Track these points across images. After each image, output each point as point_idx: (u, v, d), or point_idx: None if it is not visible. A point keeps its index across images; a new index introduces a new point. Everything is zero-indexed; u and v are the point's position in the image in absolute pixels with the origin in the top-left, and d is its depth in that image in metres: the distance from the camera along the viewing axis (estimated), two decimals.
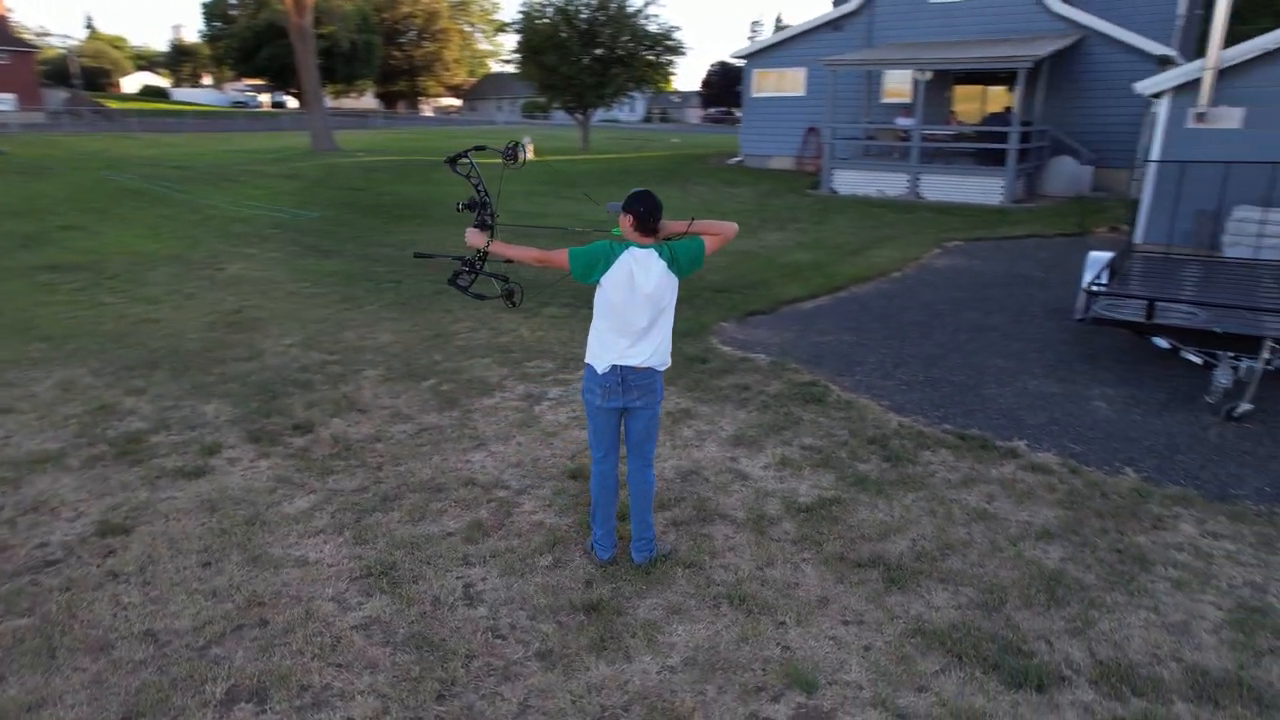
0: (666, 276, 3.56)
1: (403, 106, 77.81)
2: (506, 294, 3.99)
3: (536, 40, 28.25)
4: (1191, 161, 9.73)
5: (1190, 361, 6.07)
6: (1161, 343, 6.10)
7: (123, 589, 3.67)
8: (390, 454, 5.13)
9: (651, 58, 29.99)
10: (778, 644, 3.39)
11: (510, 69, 35.49)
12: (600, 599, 3.65)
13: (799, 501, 4.58)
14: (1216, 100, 10.22)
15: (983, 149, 17.54)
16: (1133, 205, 15.65)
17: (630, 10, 28.56)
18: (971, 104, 22.16)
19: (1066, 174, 18.02)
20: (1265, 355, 5.37)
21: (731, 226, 3.70)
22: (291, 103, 72.33)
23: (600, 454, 3.83)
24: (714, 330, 7.99)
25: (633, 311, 3.55)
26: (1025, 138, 17.03)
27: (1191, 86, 10.41)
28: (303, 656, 3.24)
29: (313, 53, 26.29)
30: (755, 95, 23.97)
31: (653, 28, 29.17)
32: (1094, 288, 6.57)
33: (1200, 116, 10.37)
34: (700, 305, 8.85)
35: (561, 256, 3.62)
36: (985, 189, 17.01)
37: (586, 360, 3.75)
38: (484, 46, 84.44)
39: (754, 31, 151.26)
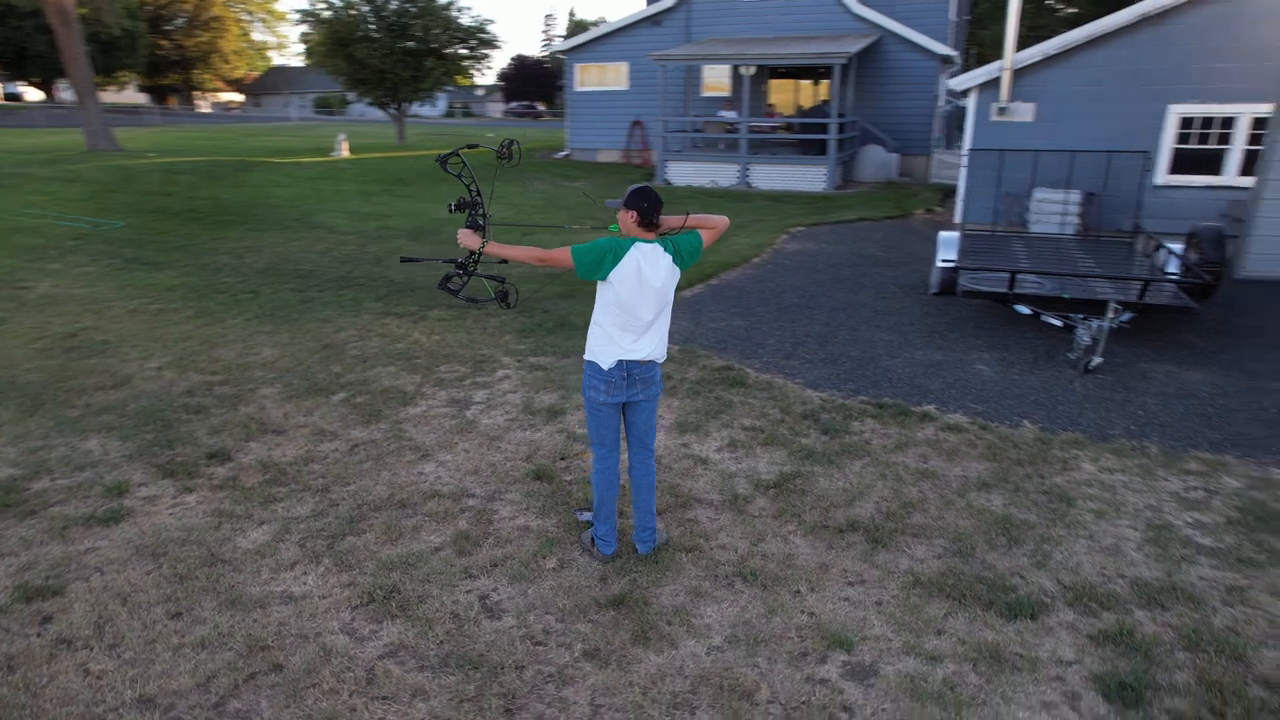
0: (672, 270, 3.62)
1: (176, 102, 70.52)
2: (501, 295, 3.88)
3: (343, 31, 26.70)
4: (1007, 150, 11.05)
5: (1043, 323, 6.95)
6: (1023, 309, 6.95)
7: (87, 656, 3.22)
8: (332, 474, 4.80)
9: (466, 51, 29.29)
10: (802, 611, 3.58)
11: (298, 62, 33.23)
12: (622, 593, 3.67)
13: (763, 479, 4.81)
14: (1014, 97, 11.65)
15: (805, 139, 18.79)
16: (943, 190, 17.45)
17: (441, 3, 27.70)
18: (786, 96, 23.63)
19: (876, 162, 19.72)
20: (1111, 315, 6.28)
21: (724, 220, 3.83)
22: (31, 94, 63.44)
23: (605, 450, 3.83)
24: None
25: (641, 306, 3.58)
26: (840, 129, 18.44)
27: (993, 85, 11.78)
28: (339, 696, 3.02)
29: (79, 38, 23.19)
30: (579, 90, 24.13)
31: (465, 21, 28.49)
32: (960, 264, 7.34)
33: (1001, 111, 11.77)
34: (585, 299, 8.90)
35: (563, 254, 3.57)
36: (809, 177, 18.26)
37: (588, 358, 3.74)
38: (264, 38, 78.33)
39: (547, 25, 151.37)
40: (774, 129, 20.56)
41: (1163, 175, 11.42)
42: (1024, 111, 11.75)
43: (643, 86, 22.97)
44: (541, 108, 76.40)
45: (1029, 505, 4.51)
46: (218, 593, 3.63)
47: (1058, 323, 6.75)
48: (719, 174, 19.00)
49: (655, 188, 3.80)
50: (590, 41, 23.65)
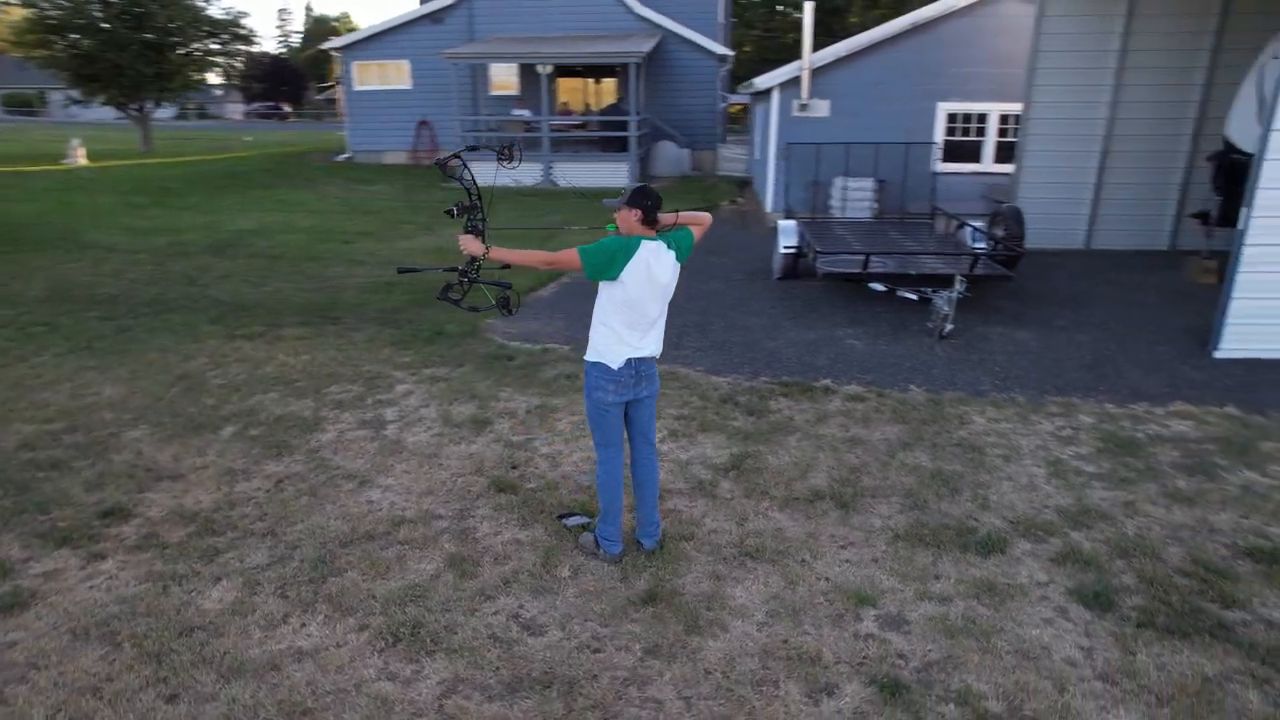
0: (675, 267, 3.68)
1: None
2: (502, 302, 3.70)
3: (59, 18, 23.11)
4: (825, 143, 12.07)
5: (885, 297, 7.77)
6: (878, 287, 7.72)
7: None
8: (271, 515, 4.32)
9: (216, 46, 26.57)
10: (817, 578, 3.82)
11: None
12: (650, 588, 3.69)
13: (717, 463, 5.00)
14: (813, 94, 12.76)
15: (605, 137, 19.20)
16: (735, 182, 18.58)
17: None
18: (575, 95, 23.94)
19: (670, 157, 20.62)
20: (958, 287, 7.18)
21: (708, 217, 3.93)
22: None
23: (612, 451, 3.81)
24: (485, 328, 7.86)
25: (649, 303, 3.61)
26: (626, 125, 19.05)
27: (793, 83, 12.82)
28: None
29: None
30: (358, 89, 22.85)
31: (215, 13, 25.81)
32: (819, 249, 7.98)
33: (803, 107, 12.84)
34: (446, 307, 8.56)
35: (570, 256, 3.51)
36: (612, 173, 18.69)
37: (594, 359, 3.70)
38: None
39: (282, 20, 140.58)
40: (573, 127, 20.80)
41: (938, 164, 13.08)
42: (821, 108, 12.91)
43: (427, 85, 22.23)
44: (288, 109, 71.02)
45: (950, 458, 5.08)
46: (211, 663, 3.17)
47: (913, 296, 7.59)
48: (522, 173, 18.87)
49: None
50: (367, 39, 22.46)
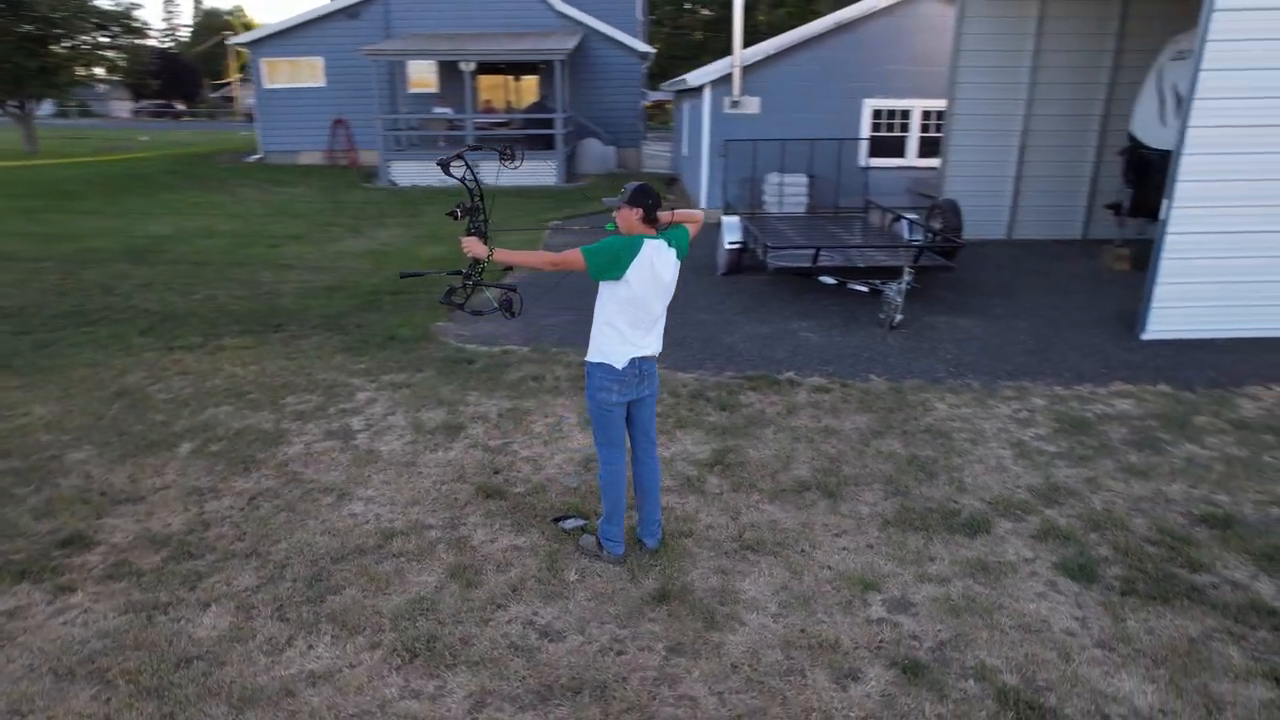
0: (676, 264, 3.68)
1: None
2: (505, 305, 3.62)
3: None
4: (762, 140, 12.25)
5: (829, 289, 7.96)
6: (829, 280, 7.91)
7: None
8: (251, 534, 4.12)
9: (106, 39, 25.00)
10: (820, 566, 3.90)
11: None
12: (662, 588, 3.69)
13: (700, 459, 5.03)
14: (744, 91, 12.94)
15: (531, 135, 19.00)
16: (666, 179, 18.69)
17: None
18: (496, 93, 23.59)
19: (596, 154, 20.57)
20: (907, 279, 7.42)
21: (701, 214, 3.95)
22: None
23: (617, 450, 3.79)
24: (437, 331, 7.69)
25: (653, 301, 3.61)
26: (553, 123, 18.92)
27: (725, 80, 12.97)
28: None
29: None
30: (269, 86, 21.92)
31: (103, 3, 24.26)
32: (770, 245, 8.11)
33: (734, 104, 13.02)
34: (392, 310, 8.37)
35: (575, 257, 3.47)
36: (540, 172, 18.53)
37: (598, 360, 3.67)
38: None
39: (169, 13, 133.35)
40: (498, 125, 20.50)
41: (864, 158, 13.48)
42: (752, 105, 13.11)
43: (342, 83, 21.54)
44: (181, 107, 67.48)
45: (922, 444, 5.26)
46: (218, 695, 3.01)
47: (864, 288, 7.81)
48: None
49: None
50: (277, 34, 21.56)
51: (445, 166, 3.57)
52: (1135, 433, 5.45)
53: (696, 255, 11.11)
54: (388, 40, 20.45)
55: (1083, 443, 5.29)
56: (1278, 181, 6.73)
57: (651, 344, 3.72)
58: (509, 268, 3.59)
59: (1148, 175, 9.54)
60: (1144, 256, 10.10)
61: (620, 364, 3.64)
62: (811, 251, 7.91)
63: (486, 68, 22.41)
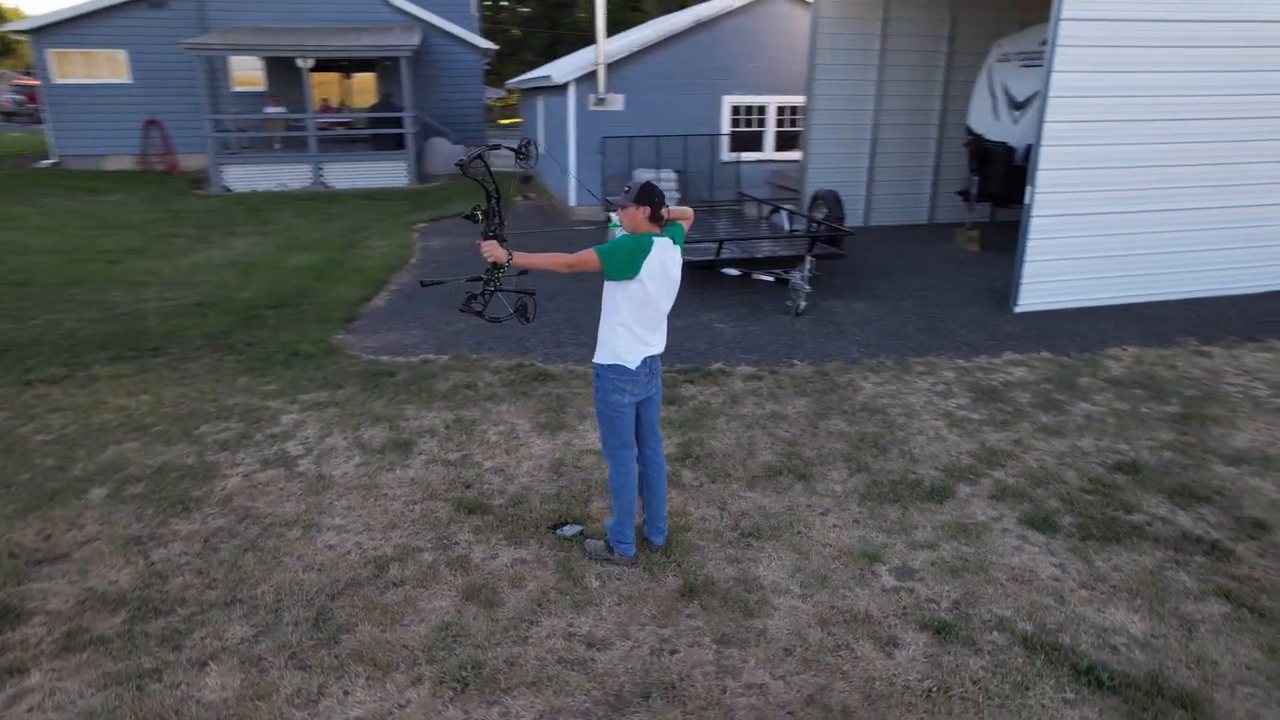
0: (679, 261, 3.69)
1: None
2: (519, 310, 3.48)
3: None
4: (638, 137, 12.34)
5: (730, 282, 8.24)
6: (733, 271, 8.16)
7: None
8: (224, 579, 3.74)
9: None
10: (822, 544, 4.07)
11: None
12: (686, 583, 3.72)
13: (669, 454, 5.05)
14: (609, 88, 13.03)
15: (377, 135, 18.12)
16: (520, 178, 18.48)
17: None
18: (331, 91, 22.26)
19: (445, 154, 19.94)
20: (808, 268, 7.81)
21: (690, 211, 3.97)
22: None
23: (628, 453, 3.77)
24: (341, 344, 7.23)
25: (663, 299, 3.61)
26: (401, 122, 18.18)
27: (589, 78, 13.00)
28: None
29: None
30: (59, 82, 19.48)
31: None
32: None
33: (599, 102, 13.08)
34: (281, 326, 7.78)
35: (590, 257, 3.41)
36: (389, 173, 17.74)
37: (610, 362, 3.63)
38: None
39: None
40: (338, 124, 19.38)
41: (726, 153, 13.97)
42: (617, 101, 13.22)
43: (152, 79, 19.55)
44: None
45: (864, 422, 5.59)
46: None
47: (770, 278, 8.13)
48: (288, 176, 17.31)
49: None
50: (66, 22, 19.18)
51: (464, 167, 3.38)
52: (1037, 396, 6.06)
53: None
54: (207, 34, 18.77)
55: (1000, 409, 5.82)
56: (1121, 169, 7.69)
57: (660, 342, 3.73)
58: (524, 271, 3.48)
59: (989, 165, 10.58)
60: (991, 238, 11.21)
61: (634, 364, 3.62)
62: (715, 245, 8.14)
63: (320, 65, 21.13)
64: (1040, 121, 7.43)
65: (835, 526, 4.26)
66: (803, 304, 7.86)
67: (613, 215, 3.60)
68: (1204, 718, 2.93)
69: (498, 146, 3.66)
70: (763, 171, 14.21)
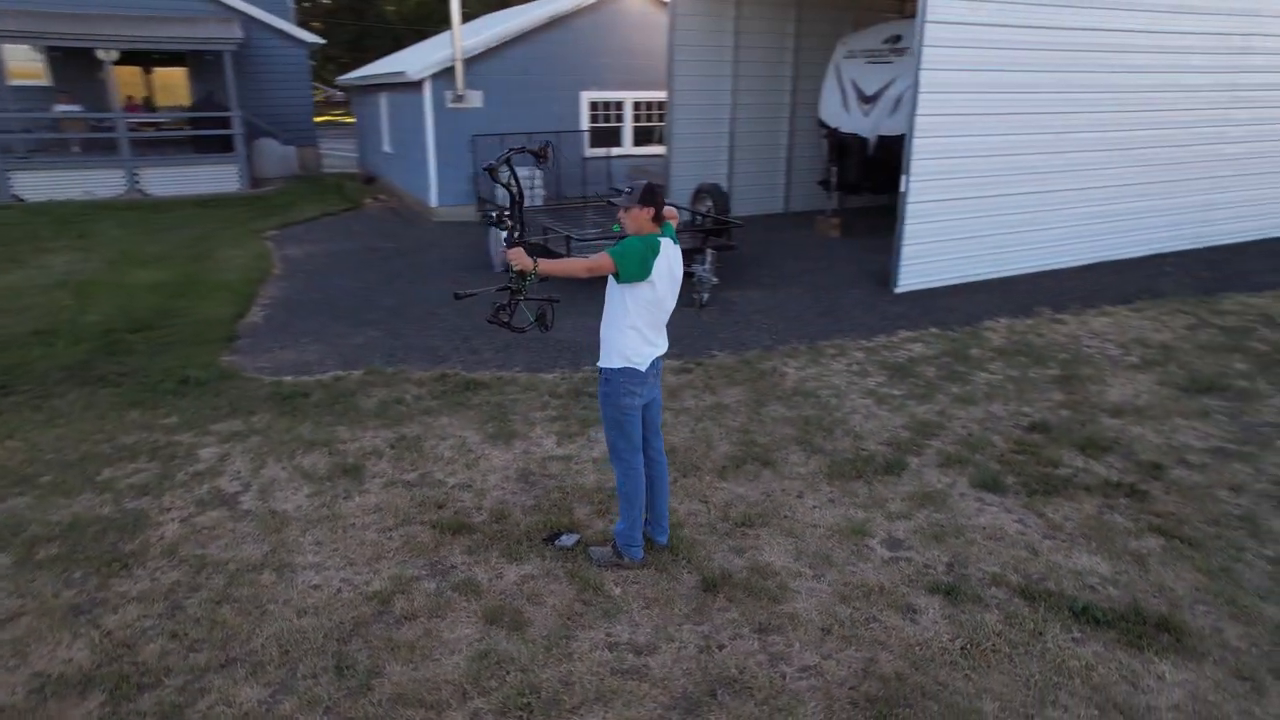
0: (680, 260, 3.71)
1: None
2: (539, 318, 3.35)
3: None
4: (509, 134, 12.02)
5: None
6: None
7: None
8: (209, 639, 3.36)
9: None
10: (810, 525, 4.25)
11: None
12: (703, 579, 3.76)
13: None
14: (466, 85, 12.66)
15: (198, 136, 16.55)
16: (364, 178, 17.56)
17: None
18: (131, 88, 20.00)
19: (276, 155, 18.56)
20: (710, 260, 8.01)
21: (676, 211, 3.98)
22: None
23: (637, 456, 3.75)
24: (232, 366, 6.62)
25: (669, 299, 3.63)
26: (229, 123, 16.75)
27: (446, 74, 12.56)
28: None
29: None
30: None
31: None
32: (571, 235, 8.19)
33: (459, 99, 12.68)
34: (154, 350, 7.01)
35: (606, 261, 3.37)
36: (218, 178, 16.27)
37: (621, 365, 3.61)
38: None
39: None
40: (152, 125, 17.48)
41: (587, 149, 13.97)
42: (475, 99, 12.86)
43: None
44: None
45: (801, 405, 5.85)
46: None
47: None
48: (96, 182, 15.43)
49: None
50: None
51: (494, 172, 3.20)
52: (941, 369, 6.60)
53: (458, 255, 10.80)
54: None
55: (914, 384, 6.28)
56: (984, 157, 8.48)
57: (664, 343, 3.74)
58: (545, 278, 3.36)
59: (846, 155, 11.31)
60: (848, 223, 11.98)
61: (644, 366, 3.61)
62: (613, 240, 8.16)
63: (121, 59, 18.97)
64: (912, 114, 8.04)
65: (815, 507, 4.46)
66: (705, 296, 8.07)
67: (622, 218, 3.54)
68: (1184, 637, 3.37)
69: (522, 149, 3.48)
70: (624, 166, 14.36)
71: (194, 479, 4.71)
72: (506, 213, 3.34)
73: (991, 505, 4.47)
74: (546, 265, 3.35)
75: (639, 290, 3.52)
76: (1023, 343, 7.22)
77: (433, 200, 13.30)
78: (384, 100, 15.92)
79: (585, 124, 13.97)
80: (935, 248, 8.54)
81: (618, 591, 3.69)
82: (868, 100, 11.17)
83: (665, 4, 13.49)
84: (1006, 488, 4.66)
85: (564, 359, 6.84)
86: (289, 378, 6.37)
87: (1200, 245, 10.65)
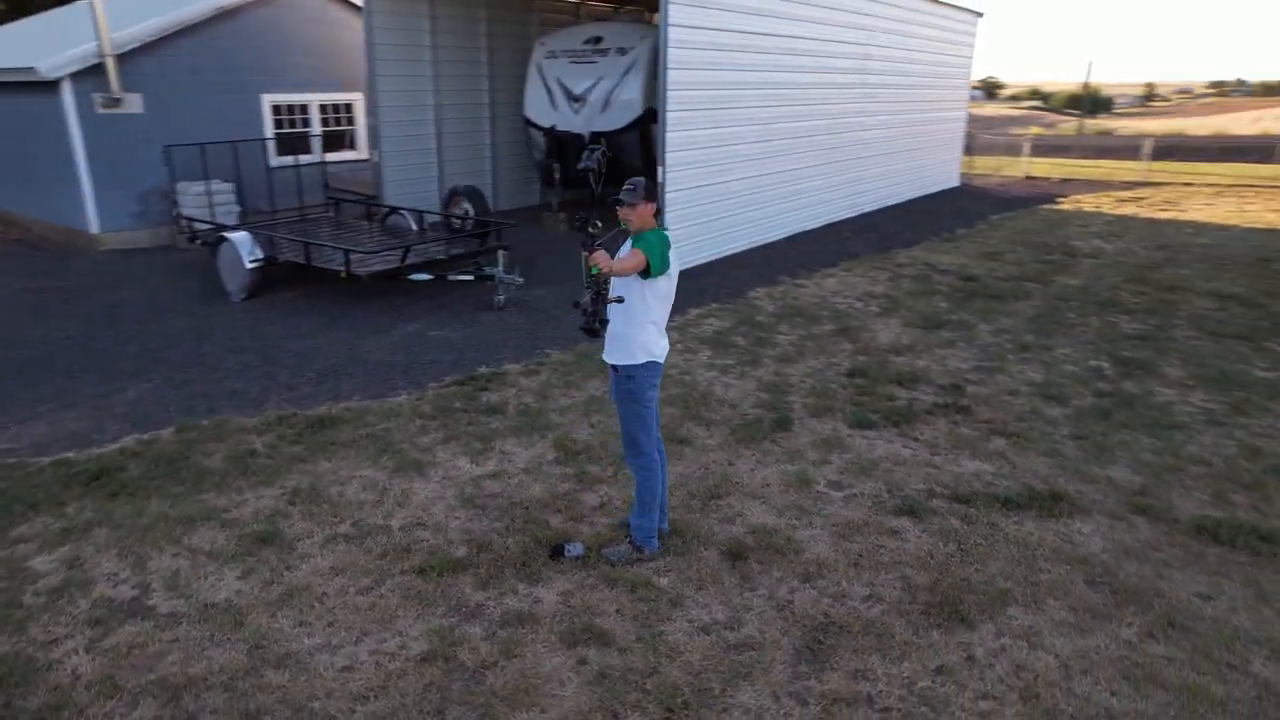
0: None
1: None
2: (598, 321, 3.24)
3: None
4: (210, 143, 10.21)
5: (404, 291, 7.97)
6: (423, 276, 7.77)
7: None
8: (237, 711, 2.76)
9: None
10: (763, 484, 4.67)
11: None
12: (727, 550, 3.98)
13: (551, 459, 5.05)
14: (122, 86, 10.61)
15: None
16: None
17: None
18: None
19: None
20: (501, 264, 7.90)
21: None
22: None
23: (654, 446, 3.81)
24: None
25: (673, 292, 3.73)
26: None
27: (92, 72, 10.39)
28: None
29: None
30: None
31: None
32: (355, 251, 7.49)
33: (112, 102, 10.58)
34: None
35: (642, 258, 3.40)
36: None
37: (646, 359, 3.68)
38: None
39: None
40: None
41: (274, 158, 12.54)
42: (134, 103, 10.81)
43: None
44: None
45: (664, 386, 6.21)
46: None
47: (470, 276, 7.93)
48: None
49: None
50: None
51: (593, 173, 2.98)
52: (747, 338, 7.41)
53: (172, 287, 9.21)
54: None
55: (737, 354, 6.99)
56: (723, 147, 9.54)
57: (667, 334, 3.86)
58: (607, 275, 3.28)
59: (567, 153, 11.77)
60: (577, 218, 12.49)
61: (662, 358, 3.72)
62: (399, 252, 7.66)
63: None
64: (663, 110, 8.75)
65: (753, 469, 4.89)
66: (501, 299, 7.99)
67: (629, 215, 3.57)
68: (1071, 500, 4.44)
69: (595, 152, 3.24)
70: (319, 175, 13.19)
71: (55, 596, 3.63)
72: (582, 214, 3.21)
73: (877, 439, 5.31)
74: (615, 265, 3.32)
75: (657, 285, 3.61)
76: (789, 305, 8.37)
77: (93, 226, 10.97)
78: None
79: (270, 130, 12.54)
80: (694, 229, 9.42)
81: (664, 582, 3.76)
82: (577, 99, 11.74)
83: (349, 1, 12.71)
84: (873, 423, 5.53)
85: (403, 380, 6.35)
86: (70, 454, 5.06)
87: (855, 214, 13.11)
